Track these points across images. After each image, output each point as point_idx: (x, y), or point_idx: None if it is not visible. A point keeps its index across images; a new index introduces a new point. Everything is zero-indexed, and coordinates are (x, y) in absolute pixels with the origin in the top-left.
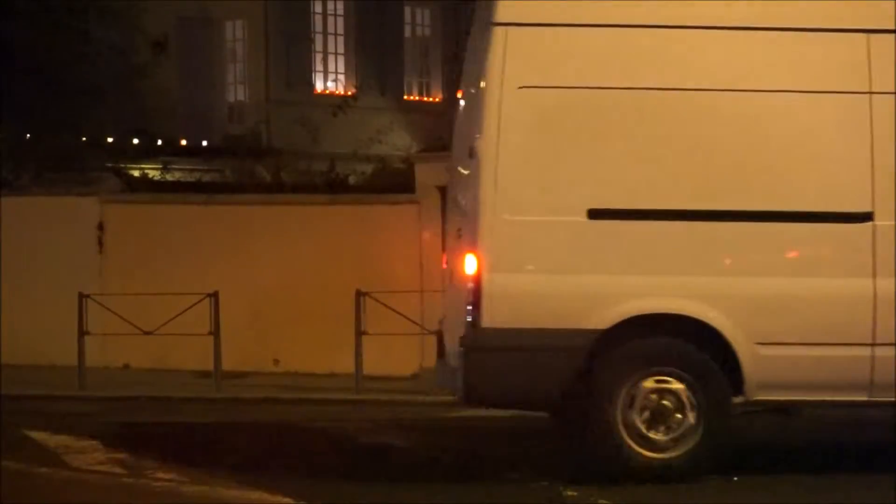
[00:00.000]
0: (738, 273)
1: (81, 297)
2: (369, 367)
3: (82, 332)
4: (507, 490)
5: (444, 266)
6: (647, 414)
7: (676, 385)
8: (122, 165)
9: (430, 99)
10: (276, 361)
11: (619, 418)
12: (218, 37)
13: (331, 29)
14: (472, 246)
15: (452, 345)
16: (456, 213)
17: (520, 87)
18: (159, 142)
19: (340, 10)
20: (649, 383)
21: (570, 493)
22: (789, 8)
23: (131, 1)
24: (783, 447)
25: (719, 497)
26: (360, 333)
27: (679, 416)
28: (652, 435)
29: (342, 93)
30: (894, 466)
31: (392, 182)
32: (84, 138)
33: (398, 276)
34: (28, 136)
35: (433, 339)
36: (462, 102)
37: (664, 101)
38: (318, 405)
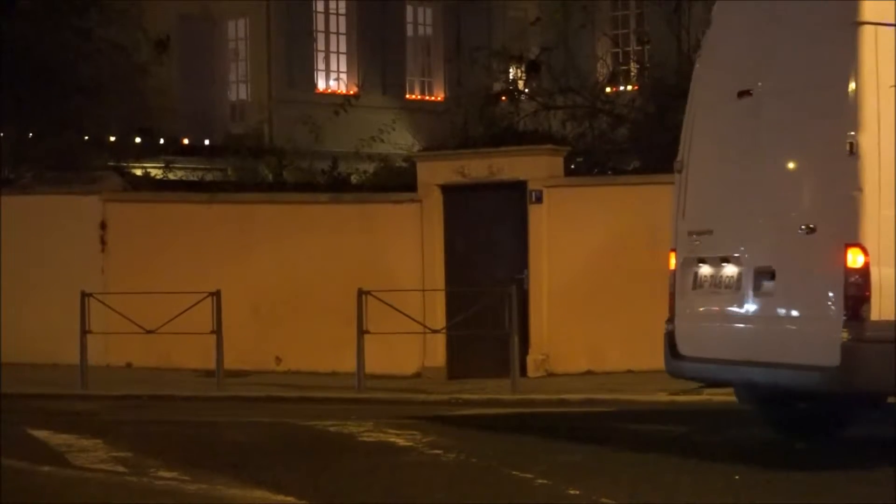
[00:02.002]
0: None
1: (84, 295)
2: (371, 366)
3: (84, 331)
4: (509, 489)
5: (672, 267)
6: None
7: None
8: (125, 164)
9: (432, 98)
10: (278, 360)
11: None
12: (220, 35)
13: (333, 28)
14: (851, 241)
15: (693, 339)
16: (703, 210)
17: (891, 86)
18: (161, 140)
19: (342, 9)
20: None
21: (572, 491)
22: None
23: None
24: (784, 446)
25: (720, 496)
26: (362, 332)
27: None
28: None
29: (344, 91)
30: (894, 465)
31: (394, 181)
32: (86, 137)
33: (400, 275)
34: (30, 134)
35: (435, 338)
36: (693, 105)
37: None
38: (319, 404)
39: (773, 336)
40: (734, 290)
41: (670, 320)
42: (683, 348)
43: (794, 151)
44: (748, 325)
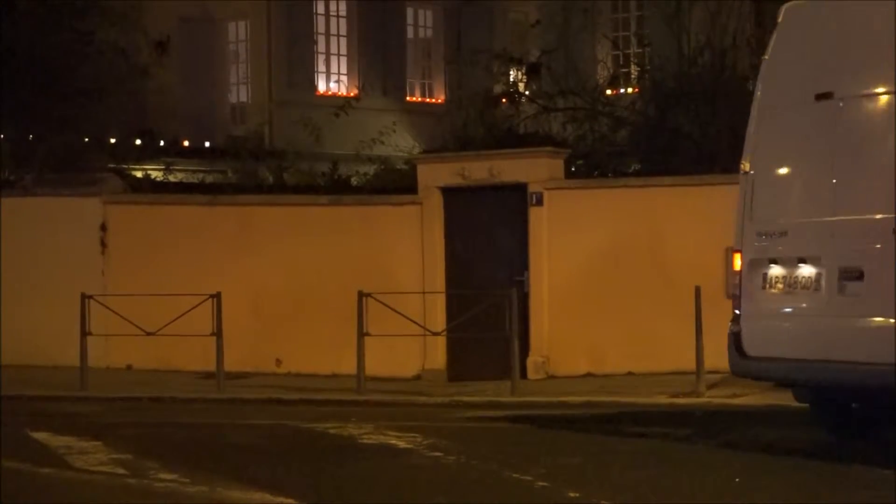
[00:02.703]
0: None
1: (84, 297)
2: (371, 368)
3: (85, 333)
4: (509, 491)
5: (737, 268)
6: None
7: None
8: (125, 166)
9: (433, 100)
10: (279, 362)
11: None
12: (220, 37)
13: (333, 30)
14: None
15: (762, 339)
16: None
17: None
18: (162, 142)
19: (343, 11)
20: None
21: (572, 494)
22: None
23: (133, 1)
24: (784, 447)
25: (720, 497)
26: (362, 334)
27: None
28: None
29: (345, 94)
30: (895, 465)
31: (394, 183)
32: (86, 139)
33: (400, 277)
34: (31, 136)
35: (435, 340)
36: (759, 106)
37: None
38: (320, 406)
39: (859, 336)
40: (812, 290)
41: (735, 321)
42: (751, 348)
43: (884, 153)
44: (829, 325)
